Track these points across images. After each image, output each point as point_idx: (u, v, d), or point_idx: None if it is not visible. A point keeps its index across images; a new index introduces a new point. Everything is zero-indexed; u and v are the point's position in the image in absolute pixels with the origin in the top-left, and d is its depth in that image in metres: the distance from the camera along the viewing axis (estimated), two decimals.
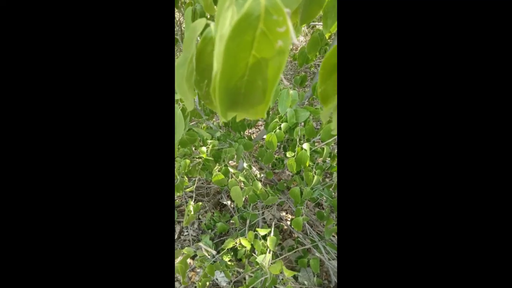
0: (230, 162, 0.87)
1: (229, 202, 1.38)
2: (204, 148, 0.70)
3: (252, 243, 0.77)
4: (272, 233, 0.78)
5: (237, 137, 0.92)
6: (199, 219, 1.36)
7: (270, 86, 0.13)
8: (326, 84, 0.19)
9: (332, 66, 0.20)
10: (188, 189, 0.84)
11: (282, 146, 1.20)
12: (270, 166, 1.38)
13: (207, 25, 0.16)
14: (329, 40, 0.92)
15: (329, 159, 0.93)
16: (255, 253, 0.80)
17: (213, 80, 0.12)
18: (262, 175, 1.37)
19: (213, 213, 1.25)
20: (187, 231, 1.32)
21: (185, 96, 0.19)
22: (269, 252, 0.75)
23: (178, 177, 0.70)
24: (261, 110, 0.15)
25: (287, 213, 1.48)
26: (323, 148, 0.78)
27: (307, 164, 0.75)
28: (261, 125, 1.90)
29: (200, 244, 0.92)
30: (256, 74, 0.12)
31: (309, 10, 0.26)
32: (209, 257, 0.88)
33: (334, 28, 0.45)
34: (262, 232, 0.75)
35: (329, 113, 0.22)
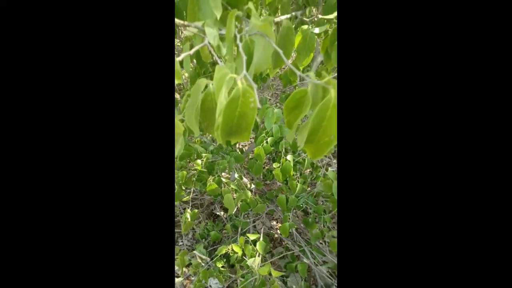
0: (223, 174, 0.95)
1: (222, 213, 1.44)
2: (199, 161, 0.79)
3: (243, 248, 0.85)
4: (261, 238, 0.86)
5: (229, 150, 1.01)
6: (193, 229, 1.41)
7: (249, 125, 0.23)
8: (289, 116, 0.29)
9: (294, 103, 0.29)
10: (184, 199, 0.91)
11: (272, 158, 1.30)
12: (261, 177, 1.47)
13: (206, 85, 0.26)
14: (311, 64, 1.04)
15: (311, 169, 1.03)
16: (246, 258, 0.87)
17: (216, 123, 0.22)
18: (253, 185, 1.45)
19: (207, 223, 1.31)
20: (181, 241, 1.36)
21: (193, 126, 0.28)
22: (259, 256, 0.82)
23: (175, 187, 0.78)
24: (245, 138, 0.24)
25: (277, 222, 1.55)
26: (305, 159, 0.88)
27: (291, 174, 0.84)
28: (252, 137, 2.00)
29: (195, 252, 0.98)
30: (241, 120, 0.22)
31: (278, 60, 0.37)
32: (203, 264, 0.94)
33: (305, 62, 0.56)
34: (252, 237, 0.83)
35: (293, 136, 0.31)
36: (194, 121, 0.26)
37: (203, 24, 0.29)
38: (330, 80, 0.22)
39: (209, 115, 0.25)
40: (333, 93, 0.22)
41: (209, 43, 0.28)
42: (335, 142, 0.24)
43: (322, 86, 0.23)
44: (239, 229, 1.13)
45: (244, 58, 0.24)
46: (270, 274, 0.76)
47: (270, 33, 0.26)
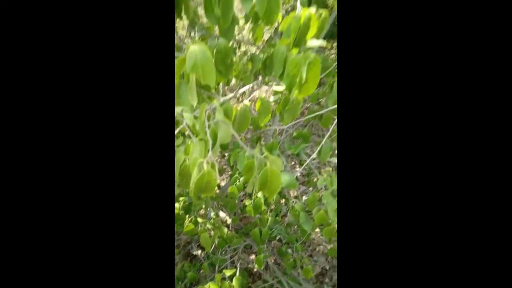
0: (200, 211, 1.01)
1: (199, 252, 1.44)
2: (176, 204, 0.85)
3: (220, 285, 0.88)
4: (237, 273, 0.91)
5: None
6: None
7: (213, 187, 0.33)
8: (246, 175, 0.40)
9: (248, 168, 0.41)
10: None
11: (247, 193, 1.39)
12: (239, 211, 1.53)
13: (184, 160, 0.36)
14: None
15: (284, 200, 1.14)
16: None
17: (190, 189, 0.32)
18: (229, 220, 1.50)
19: (183, 264, 1.30)
20: None
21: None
22: None
23: None
24: (211, 193, 0.35)
25: (256, 255, 1.58)
26: None
27: (263, 209, 0.94)
28: (228, 170, 2.09)
29: None
30: (208, 185, 0.33)
31: (240, 127, 0.49)
32: None
33: (265, 121, 0.70)
34: (228, 273, 0.88)
35: (251, 186, 0.42)
36: (179, 179, 0.36)
37: (182, 110, 0.41)
38: (268, 155, 0.35)
39: (186, 178, 0.36)
40: (269, 165, 0.34)
41: (186, 124, 0.40)
42: (278, 190, 0.35)
43: (263, 160, 0.35)
44: (216, 267, 1.15)
45: (211, 142, 0.35)
46: None
47: (228, 121, 0.39)
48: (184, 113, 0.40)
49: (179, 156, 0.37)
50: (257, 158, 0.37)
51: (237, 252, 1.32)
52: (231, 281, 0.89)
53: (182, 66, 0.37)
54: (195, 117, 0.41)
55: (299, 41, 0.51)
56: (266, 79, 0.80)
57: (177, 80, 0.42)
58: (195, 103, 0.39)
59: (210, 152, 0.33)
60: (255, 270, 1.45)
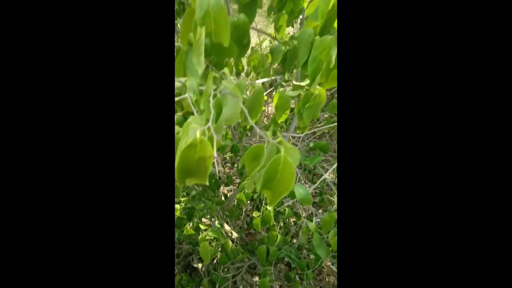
0: (204, 221, 0.92)
1: (200, 265, 1.33)
2: (177, 206, 0.77)
3: None
4: None
5: (211, 196, 1.00)
6: None
7: (206, 169, 0.25)
8: (249, 166, 0.31)
9: (252, 156, 0.32)
10: None
11: (256, 206, 1.28)
12: (245, 226, 1.41)
13: (178, 132, 0.29)
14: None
15: (294, 218, 1.01)
16: None
17: (175, 165, 0.24)
18: (235, 234, 1.39)
19: (182, 276, 1.20)
20: None
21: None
22: None
23: None
24: (203, 180, 0.26)
25: (260, 278, 1.42)
26: (285, 209, 0.88)
27: (272, 223, 0.83)
28: (237, 181, 2.00)
29: None
30: (200, 164, 0.25)
31: (253, 113, 0.42)
32: None
33: (282, 118, 0.62)
34: None
35: (252, 183, 0.33)
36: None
37: (186, 80, 0.34)
38: (282, 140, 0.26)
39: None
40: (283, 152, 0.25)
41: (189, 96, 0.33)
42: (288, 192, 0.26)
43: (276, 145, 0.27)
44: (217, 286, 1.03)
45: (212, 112, 0.28)
46: None
47: (239, 95, 0.31)
48: (188, 83, 0.33)
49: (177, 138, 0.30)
50: (268, 143, 0.29)
51: (240, 272, 1.20)
52: None
53: (190, 20, 0.31)
54: (200, 91, 0.34)
55: (327, 26, 0.44)
56: (286, 76, 0.73)
57: (184, 46, 0.36)
58: (201, 69, 0.33)
59: (210, 123, 0.26)
60: None
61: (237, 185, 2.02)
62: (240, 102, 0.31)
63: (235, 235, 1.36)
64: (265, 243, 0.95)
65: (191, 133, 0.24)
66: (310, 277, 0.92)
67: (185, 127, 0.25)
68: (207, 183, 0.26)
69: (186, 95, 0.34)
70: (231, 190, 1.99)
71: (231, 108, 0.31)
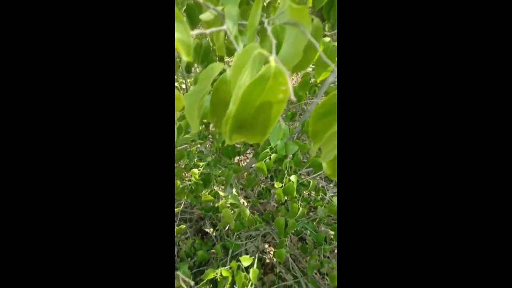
0: (217, 188, 0.88)
1: (211, 230, 1.34)
2: (196, 170, 0.72)
3: (233, 273, 0.75)
4: (255, 265, 0.77)
5: (227, 163, 0.94)
6: (179, 245, 1.30)
7: (271, 122, 0.17)
8: (316, 125, 0.23)
9: (322, 114, 0.24)
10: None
11: (269, 176, 1.23)
12: (255, 195, 1.39)
13: (224, 70, 0.20)
14: (318, 84, 1.02)
15: (314, 192, 0.96)
16: (236, 286, 0.77)
17: (228, 113, 0.16)
18: (247, 204, 1.37)
19: (195, 240, 1.21)
20: None
21: (193, 120, 0.22)
22: (251, 286, 0.73)
23: None
24: (260, 139, 0.18)
25: (269, 245, 1.44)
26: (309, 182, 0.82)
27: (294, 195, 0.77)
28: (249, 153, 1.94)
29: (178, 273, 0.87)
30: (260, 113, 0.16)
31: (300, 63, 0.32)
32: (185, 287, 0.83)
33: (323, 76, 0.52)
34: (245, 262, 0.74)
35: (317, 149, 0.26)
36: (196, 113, 0.20)
37: (223, 9, 0.25)
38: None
39: (221, 109, 0.20)
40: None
41: (228, 28, 0.24)
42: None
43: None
44: (230, 251, 1.03)
45: (274, 42, 0.19)
46: None
47: (306, 22, 0.21)
48: (226, 9, 0.24)
49: (214, 67, 0.21)
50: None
51: (254, 239, 1.19)
52: (246, 271, 0.75)
53: None
54: (240, 29, 0.25)
55: None
56: (327, 26, 0.60)
57: None
58: None
59: (273, 55, 0.17)
60: (267, 261, 1.32)
61: (247, 155, 1.97)
62: (308, 33, 0.21)
63: (246, 204, 1.34)
64: (283, 215, 0.91)
65: (255, 64, 0.15)
66: (327, 250, 0.90)
67: (240, 57, 0.17)
68: (262, 142, 0.18)
69: (224, 27, 0.25)
70: (241, 160, 1.94)
71: (293, 41, 0.22)
